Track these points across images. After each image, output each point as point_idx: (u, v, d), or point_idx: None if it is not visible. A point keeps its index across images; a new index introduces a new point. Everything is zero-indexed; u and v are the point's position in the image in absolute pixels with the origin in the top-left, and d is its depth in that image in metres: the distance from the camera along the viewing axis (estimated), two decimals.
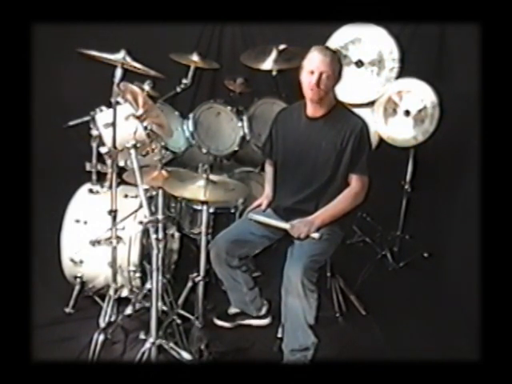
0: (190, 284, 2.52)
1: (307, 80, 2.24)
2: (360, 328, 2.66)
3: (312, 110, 2.35)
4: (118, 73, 2.16)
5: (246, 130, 3.08)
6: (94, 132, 2.60)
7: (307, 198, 2.38)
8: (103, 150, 2.41)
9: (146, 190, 2.31)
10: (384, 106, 3.20)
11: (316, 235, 2.25)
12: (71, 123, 2.73)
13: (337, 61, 2.27)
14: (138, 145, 2.10)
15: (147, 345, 2.06)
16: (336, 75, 2.26)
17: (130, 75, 2.27)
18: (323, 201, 2.35)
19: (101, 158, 2.61)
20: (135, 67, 2.26)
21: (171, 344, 2.15)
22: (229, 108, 3.13)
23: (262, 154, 2.77)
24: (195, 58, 3.12)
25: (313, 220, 2.29)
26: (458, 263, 3.09)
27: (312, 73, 2.22)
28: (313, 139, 2.35)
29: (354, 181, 2.32)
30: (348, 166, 2.31)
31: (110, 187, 2.35)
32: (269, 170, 2.61)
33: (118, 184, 2.37)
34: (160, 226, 2.11)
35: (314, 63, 2.22)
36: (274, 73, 3.14)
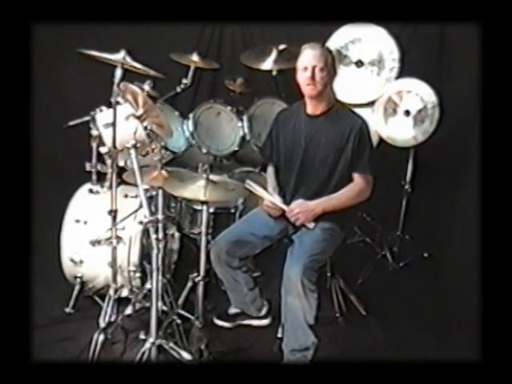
0: (189, 284, 2.52)
1: (303, 77, 2.26)
2: (360, 328, 2.65)
3: (312, 108, 2.35)
4: (118, 73, 2.16)
5: (246, 130, 3.08)
6: (94, 132, 2.60)
7: (308, 198, 2.37)
8: (103, 150, 2.40)
9: (146, 190, 2.31)
10: (384, 106, 3.20)
11: (311, 225, 2.25)
12: (71, 123, 2.73)
13: (328, 54, 2.28)
14: (138, 145, 2.10)
15: (147, 345, 2.05)
16: (330, 68, 2.27)
17: (129, 75, 2.27)
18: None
19: (101, 157, 2.61)
20: (135, 67, 2.26)
21: (171, 344, 2.14)
22: (229, 108, 3.13)
23: (261, 157, 2.77)
24: (195, 58, 3.12)
25: (314, 207, 2.28)
26: (458, 263, 3.09)
27: (305, 69, 2.24)
28: (312, 136, 2.35)
29: (358, 179, 2.32)
30: (348, 165, 2.31)
31: (110, 187, 2.34)
32: (270, 170, 2.61)
33: (118, 184, 2.37)
34: (160, 225, 2.11)
35: (305, 60, 2.25)
36: (274, 73, 3.14)
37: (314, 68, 2.23)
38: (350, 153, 2.30)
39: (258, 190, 2.36)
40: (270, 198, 2.37)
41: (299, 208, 2.28)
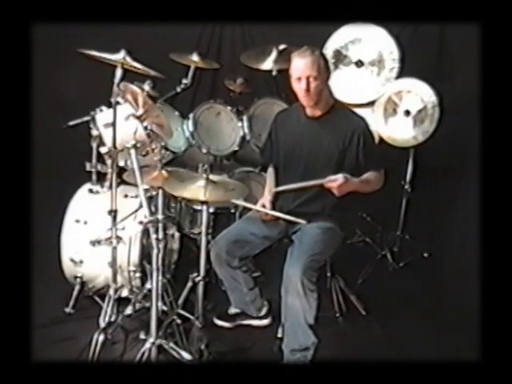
0: (189, 284, 2.52)
1: (297, 87, 2.27)
2: (360, 328, 2.66)
3: (311, 111, 2.36)
4: (118, 73, 2.17)
5: (246, 130, 3.08)
6: (94, 132, 2.60)
7: (310, 199, 2.38)
8: (103, 149, 2.40)
9: (146, 190, 2.31)
10: (384, 105, 3.20)
11: (303, 221, 2.26)
12: (71, 123, 2.73)
13: (318, 58, 2.25)
14: (138, 145, 2.10)
15: (147, 345, 2.05)
16: (323, 73, 2.26)
17: (130, 75, 2.27)
18: (329, 201, 2.33)
19: (101, 157, 2.61)
20: (135, 67, 2.26)
21: (171, 344, 2.15)
22: (229, 108, 3.13)
23: (261, 158, 2.76)
24: (195, 57, 3.11)
25: (354, 185, 2.23)
26: (458, 263, 3.09)
27: (299, 79, 2.24)
28: (313, 138, 2.35)
29: (373, 174, 2.33)
30: (359, 167, 2.31)
31: (110, 187, 2.34)
32: (270, 171, 2.61)
33: (118, 184, 2.37)
34: (160, 225, 2.11)
35: (298, 70, 2.24)
36: (274, 73, 3.14)
37: (307, 78, 2.22)
38: (354, 153, 2.30)
39: (244, 204, 2.43)
40: (257, 208, 2.42)
41: (342, 180, 2.18)
